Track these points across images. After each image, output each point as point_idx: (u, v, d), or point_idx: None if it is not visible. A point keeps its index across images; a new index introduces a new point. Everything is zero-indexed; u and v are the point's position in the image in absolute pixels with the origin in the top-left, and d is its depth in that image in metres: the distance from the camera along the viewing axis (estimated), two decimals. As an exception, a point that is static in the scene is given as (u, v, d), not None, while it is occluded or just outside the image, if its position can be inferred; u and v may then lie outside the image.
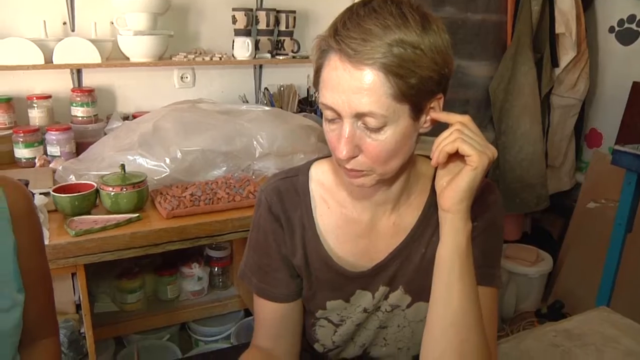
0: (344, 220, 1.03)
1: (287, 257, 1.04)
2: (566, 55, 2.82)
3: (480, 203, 0.97)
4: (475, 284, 0.91)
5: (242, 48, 2.60)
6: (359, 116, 0.83)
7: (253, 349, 1.08)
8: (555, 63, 2.84)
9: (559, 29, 2.77)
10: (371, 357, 1.13)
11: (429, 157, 1.08)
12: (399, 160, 0.90)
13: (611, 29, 2.93)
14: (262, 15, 2.62)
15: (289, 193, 1.04)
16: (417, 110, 0.86)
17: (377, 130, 0.84)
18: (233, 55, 2.64)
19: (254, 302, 1.09)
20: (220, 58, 2.56)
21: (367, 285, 1.04)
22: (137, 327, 2.18)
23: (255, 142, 2.08)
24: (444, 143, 0.86)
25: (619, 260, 2.15)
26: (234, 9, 2.57)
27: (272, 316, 1.06)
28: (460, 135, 0.85)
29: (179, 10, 2.54)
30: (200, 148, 1.99)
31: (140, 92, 2.59)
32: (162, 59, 2.48)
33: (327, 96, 0.85)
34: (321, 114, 0.91)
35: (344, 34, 0.81)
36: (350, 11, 0.85)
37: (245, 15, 2.57)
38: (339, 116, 0.85)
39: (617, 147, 2.06)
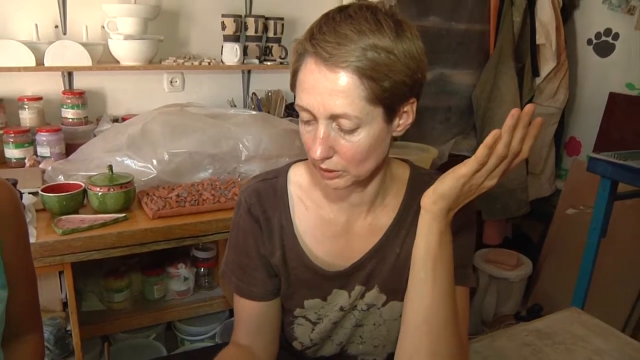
0: (321, 220, 1.05)
1: (265, 257, 1.05)
2: (547, 65, 2.87)
3: None
4: (450, 282, 0.92)
5: (231, 53, 2.62)
6: (334, 118, 0.85)
7: (232, 346, 1.08)
8: (536, 72, 2.89)
9: (540, 39, 2.82)
10: (348, 354, 1.14)
11: (404, 161, 1.11)
12: (372, 162, 0.91)
13: (589, 41, 2.99)
14: (250, 21, 2.64)
15: (268, 195, 1.06)
16: (391, 113, 0.87)
17: (351, 131, 0.86)
18: (222, 60, 2.65)
19: (234, 300, 1.10)
20: (209, 63, 2.57)
21: (344, 285, 1.05)
22: (123, 326, 2.17)
23: (241, 145, 2.09)
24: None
25: (593, 264, 2.18)
26: (223, 15, 2.59)
27: (250, 314, 1.07)
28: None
29: (169, 15, 2.56)
30: (187, 150, 2.00)
31: (130, 95, 2.60)
32: (152, 63, 2.49)
33: (303, 98, 0.87)
34: None
35: (319, 37, 0.83)
36: (326, 16, 0.87)
37: (234, 21, 2.59)
38: (314, 118, 0.87)
39: (593, 155, 2.10)
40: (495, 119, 2.81)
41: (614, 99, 2.81)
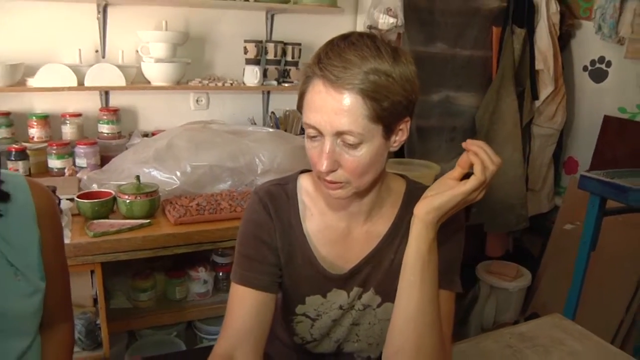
0: (324, 226, 1.10)
1: (274, 248, 1.08)
2: (545, 89, 2.93)
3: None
4: (436, 286, 0.97)
5: (252, 76, 2.72)
6: (339, 134, 0.91)
7: (212, 359, 1.02)
8: (535, 96, 2.95)
9: (538, 65, 2.88)
10: (344, 352, 1.18)
11: (400, 176, 1.18)
12: (372, 174, 0.98)
13: (584, 68, 3.04)
14: (270, 46, 2.74)
15: (280, 197, 1.11)
16: (389, 130, 0.94)
17: (355, 147, 0.92)
18: (243, 81, 2.76)
19: (229, 297, 1.07)
20: (232, 84, 2.68)
21: (343, 285, 1.10)
22: (148, 323, 2.26)
23: (257, 160, 2.18)
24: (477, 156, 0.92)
25: (584, 276, 2.21)
26: (245, 41, 2.70)
27: (247, 307, 1.04)
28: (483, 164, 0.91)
29: (196, 41, 2.67)
30: (208, 164, 2.10)
31: (159, 113, 2.71)
32: (180, 83, 2.60)
33: (310, 117, 0.94)
34: None
35: (326, 62, 0.90)
36: (331, 43, 0.94)
37: (255, 46, 2.69)
38: (320, 134, 0.93)
39: (583, 174, 2.14)
40: (497, 139, 2.86)
41: (607, 121, 2.86)
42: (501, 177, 2.87)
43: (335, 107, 0.90)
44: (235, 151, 2.18)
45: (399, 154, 2.68)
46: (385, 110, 0.90)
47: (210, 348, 1.05)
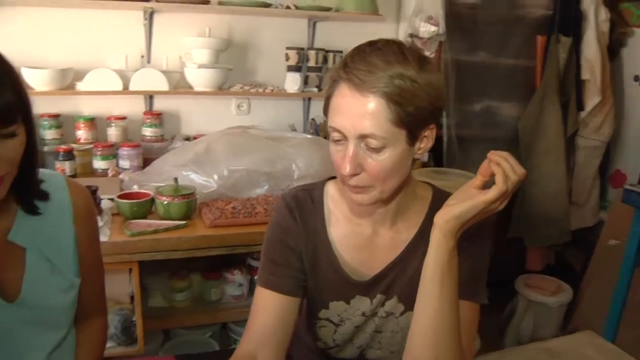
0: (349, 232, 1.11)
1: (298, 253, 1.10)
2: (591, 100, 2.84)
3: (470, 227, 1.00)
4: (455, 296, 0.96)
5: (293, 82, 2.75)
6: (362, 137, 0.92)
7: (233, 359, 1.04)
8: (580, 107, 2.87)
9: (585, 75, 2.80)
10: (367, 359, 1.18)
11: (427, 183, 1.17)
12: (396, 180, 0.98)
13: (636, 78, 2.93)
14: (312, 54, 2.76)
15: (307, 202, 1.12)
16: (413, 136, 0.94)
17: (378, 150, 0.93)
18: (284, 88, 2.78)
19: (254, 300, 1.10)
20: (272, 90, 2.71)
21: (367, 292, 1.10)
22: (183, 323, 2.30)
23: (294, 166, 2.20)
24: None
25: (626, 292, 2.14)
26: (287, 48, 2.72)
27: (271, 310, 1.06)
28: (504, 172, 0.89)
29: (238, 47, 2.72)
30: (245, 168, 2.13)
31: (201, 117, 2.76)
32: (222, 89, 2.64)
33: (335, 120, 0.95)
34: None
35: (352, 66, 0.91)
36: (358, 49, 0.95)
37: (297, 53, 2.72)
38: (344, 137, 0.94)
39: (627, 187, 2.08)
40: (539, 151, 2.80)
41: (658, 134, 2.76)
42: (542, 190, 2.81)
43: (359, 110, 0.90)
44: (273, 156, 2.20)
45: (438, 162, 2.66)
46: (410, 115, 0.91)
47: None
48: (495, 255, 2.62)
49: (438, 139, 2.71)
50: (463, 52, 2.68)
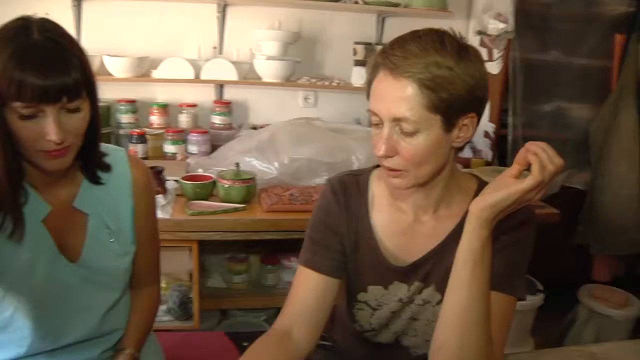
0: (391, 217, 1.12)
1: (340, 235, 1.12)
2: (671, 104, 2.69)
3: (511, 221, 1.01)
4: (486, 285, 0.95)
5: (360, 77, 2.77)
6: (396, 121, 0.94)
7: (270, 333, 1.07)
8: (659, 111, 2.72)
9: (666, 78, 2.65)
10: (402, 345, 1.18)
11: (473, 175, 1.16)
12: (430, 165, 0.98)
13: None
14: (379, 49, 2.76)
15: (352, 187, 1.14)
16: (449, 123, 0.95)
17: (411, 134, 0.94)
18: (351, 82, 2.81)
19: (294, 278, 1.12)
20: (338, 84, 2.74)
21: (405, 278, 1.11)
22: (239, 304, 2.39)
23: (354, 157, 2.22)
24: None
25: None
26: (355, 43, 2.75)
27: (310, 288, 1.08)
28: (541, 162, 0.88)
29: (307, 41, 2.77)
30: (305, 157, 2.17)
31: (269, 108, 2.84)
32: (289, 81, 2.71)
33: (373, 103, 0.98)
34: None
35: (390, 52, 0.94)
36: (400, 37, 0.97)
37: (364, 48, 2.74)
38: (381, 121, 0.96)
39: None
40: (612, 154, 2.68)
41: None
42: (613, 196, 2.68)
43: (393, 94, 0.92)
44: (334, 147, 2.24)
45: (503, 162, 2.60)
46: (444, 102, 0.91)
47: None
48: (558, 261, 2.54)
49: (503, 138, 2.65)
50: (533, 50, 2.59)
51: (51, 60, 0.91)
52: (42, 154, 0.95)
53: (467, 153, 2.67)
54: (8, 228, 0.99)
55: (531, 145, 0.90)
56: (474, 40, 2.73)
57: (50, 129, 0.92)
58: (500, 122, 2.57)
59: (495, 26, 2.33)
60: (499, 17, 2.31)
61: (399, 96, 0.92)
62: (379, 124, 0.98)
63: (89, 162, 1.10)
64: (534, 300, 2.20)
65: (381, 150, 0.96)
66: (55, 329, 1.09)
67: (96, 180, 1.12)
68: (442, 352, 0.95)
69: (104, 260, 1.13)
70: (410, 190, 1.05)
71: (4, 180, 0.95)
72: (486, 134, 2.67)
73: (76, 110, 0.96)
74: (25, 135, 0.92)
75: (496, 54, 2.50)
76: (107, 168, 1.14)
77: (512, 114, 2.49)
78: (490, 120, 2.59)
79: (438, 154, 0.98)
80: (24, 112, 0.90)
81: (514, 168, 0.93)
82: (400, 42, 0.95)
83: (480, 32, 2.44)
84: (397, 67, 0.91)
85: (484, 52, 2.61)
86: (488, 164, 2.61)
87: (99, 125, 1.06)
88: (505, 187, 0.91)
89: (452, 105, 0.92)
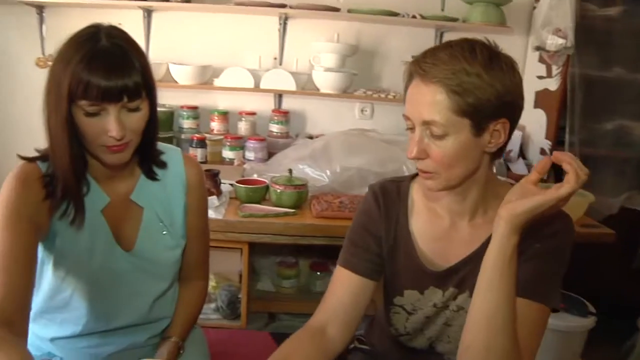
0: (429, 223, 1.14)
1: (378, 238, 1.15)
2: None
3: (547, 229, 1.01)
4: (513, 290, 0.95)
5: (416, 90, 2.78)
6: (426, 124, 0.97)
7: (305, 328, 1.11)
8: None
9: None
10: (436, 351, 1.19)
11: (511, 184, 1.16)
12: (460, 169, 1.01)
13: None
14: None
15: (392, 193, 1.18)
16: (478, 127, 0.97)
17: (440, 137, 0.97)
18: (407, 95, 2.82)
19: (332, 278, 1.16)
20: (394, 96, 2.76)
21: (440, 284, 1.12)
22: (286, 309, 2.44)
23: (404, 168, 2.23)
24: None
25: None
26: (412, 56, 2.74)
27: (346, 287, 1.12)
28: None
29: (365, 53, 2.81)
30: (357, 167, 2.21)
31: (326, 118, 2.89)
32: (346, 92, 2.75)
33: (406, 108, 1.02)
34: None
35: (422, 60, 0.98)
36: (434, 46, 1.01)
37: (422, 62, 2.74)
38: (414, 125, 1.00)
39: None
40: (678, 177, 2.57)
41: None
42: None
43: (423, 99, 0.96)
44: (385, 158, 2.26)
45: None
46: (471, 106, 0.94)
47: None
48: (615, 285, 2.45)
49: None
50: (593, 66, 2.52)
51: (115, 64, 0.99)
52: (104, 148, 1.03)
53: (522, 169, 2.63)
54: (70, 215, 1.07)
55: (560, 155, 0.91)
56: (532, 57, 2.70)
57: (112, 125, 1.00)
58: (557, 140, 2.51)
59: (553, 42, 2.29)
60: (558, 32, 2.27)
61: (428, 101, 0.95)
62: (412, 128, 1.01)
63: (146, 158, 1.18)
64: (585, 322, 2.14)
65: (413, 152, 1.00)
66: (108, 312, 1.16)
67: (152, 176, 1.19)
68: (469, 352, 0.96)
69: (156, 251, 1.20)
70: (444, 193, 1.08)
71: (69, 171, 1.04)
72: (542, 151, 2.62)
73: (136, 109, 1.03)
74: (90, 130, 1.01)
75: (555, 70, 2.45)
76: (163, 165, 1.21)
77: (569, 132, 2.43)
78: (547, 138, 2.54)
79: (468, 157, 1.00)
80: (89, 110, 0.98)
81: (534, 175, 0.94)
82: (433, 50, 0.99)
83: (538, 48, 2.41)
84: (427, 73, 0.95)
85: (542, 69, 2.57)
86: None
87: (156, 124, 1.14)
88: (537, 194, 0.91)
89: (480, 110, 0.95)
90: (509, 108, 0.98)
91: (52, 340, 1.17)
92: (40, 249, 1.10)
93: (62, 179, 1.05)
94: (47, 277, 1.13)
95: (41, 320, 1.18)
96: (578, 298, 2.22)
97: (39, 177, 1.06)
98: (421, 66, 0.97)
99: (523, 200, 0.92)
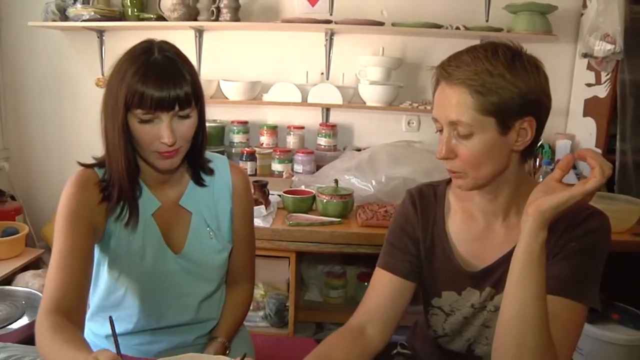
0: (465, 224, 1.16)
1: (416, 240, 1.18)
2: None
3: (582, 228, 1.01)
4: (542, 285, 0.94)
5: (462, 101, 2.77)
6: (452, 124, 0.99)
7: (345, 327, 1.14)
8: None
9: None
10: (475, 354, 1.19)
11: None
12: (488, 167, 1.01)
13: None
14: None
15: (429, 196, 1.21)
16: (504, 126, 0.98)
17: (466, 137, 0.99)
18: (454, 107, 2.81)
19: (371, 279, 1.19)
20: (440, 108, 2.76)
21: (477, 284, 1.13)
22: (333, 319, 2.44)
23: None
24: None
25: None
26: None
27: (385, 288, 1.15)
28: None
29: (411, 66, 2.82)
30: (402, 176, 2.22)
31: (372, 131, 2.91)
32: (392, 105, 2.77)
33: (434, 111, 1.04)
34: None
35: (446, 63, 1.01)
36: (459, 51, 1.03)
37: (468, 73, 2.74)
38: (442, 126, 1.02)
39: None
40: None
41: None
42: None
43: (448, 100, 0.99)
44: (430, 168, 2.26)
45: (610, 189, 2.47)
46: (495, 105, 0.95)
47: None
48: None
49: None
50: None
51: (167, 76, 1.05)
52: (156, 154, 1.10)
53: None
54: (125, 217, 1.14)
55: (585, 151, 0.90)
56: (579, 64, 2.63)
57: (164, 132, 1.06)
58: (608, 148, 2.44)
59: (601, 47, 2.24)
60: (606, 37, 2.22)
61: (454, 102, 0.98)
62: (440, 130, 1.04)
63: (195, 165, 1.23)
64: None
65: (442, 152, 1.02)
66: (157, 311, 1.22)
67: (200, 182, 1.25)
68: (502, 350, 0.96)
69: (203, 255, 1.25)
70: (475, 192, 1.09)
71: (124, 175, 1.11)
72: (593, 160, 2.55)
73: (186, 117, 1.10)
74: (143, 137, 1.07)
75: (604, 76, 2.39)
76: (210, 172, 1.27)
77: (620, 139, 2.36)
78: (597, 146, 2.47)
79: (496, 156, 1.01)
80: (144, 118, 1.05)
81: (557, 173, 0.95)
82: (457, 54, 1.01)
83: (586, 55, 2.36)
84: (451, 75, 0.98)
85: (591, 76, 2.51)
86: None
87: (204, 132, 1.20)
88: (563, 190, 0.91)
89: (504, 108, 0.96)
90: (534, 106, 0.99)
91: (107, 337, 1.24)
92: (97, 251, 1.18)
93: (118, 183, 1.12)
94: (103, 277, 1.20)
95: (98, 319, 1.25)
96: (635, 311, 2.14)
97: (96, 182, 1.14)
98: (446, 69, 0.99)
99: (549, 196, 0.93)
